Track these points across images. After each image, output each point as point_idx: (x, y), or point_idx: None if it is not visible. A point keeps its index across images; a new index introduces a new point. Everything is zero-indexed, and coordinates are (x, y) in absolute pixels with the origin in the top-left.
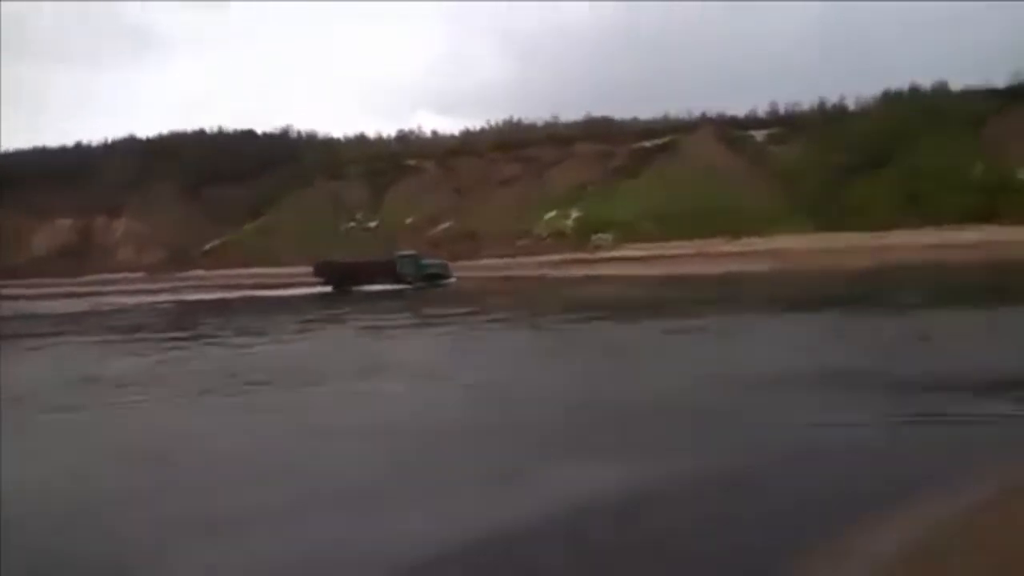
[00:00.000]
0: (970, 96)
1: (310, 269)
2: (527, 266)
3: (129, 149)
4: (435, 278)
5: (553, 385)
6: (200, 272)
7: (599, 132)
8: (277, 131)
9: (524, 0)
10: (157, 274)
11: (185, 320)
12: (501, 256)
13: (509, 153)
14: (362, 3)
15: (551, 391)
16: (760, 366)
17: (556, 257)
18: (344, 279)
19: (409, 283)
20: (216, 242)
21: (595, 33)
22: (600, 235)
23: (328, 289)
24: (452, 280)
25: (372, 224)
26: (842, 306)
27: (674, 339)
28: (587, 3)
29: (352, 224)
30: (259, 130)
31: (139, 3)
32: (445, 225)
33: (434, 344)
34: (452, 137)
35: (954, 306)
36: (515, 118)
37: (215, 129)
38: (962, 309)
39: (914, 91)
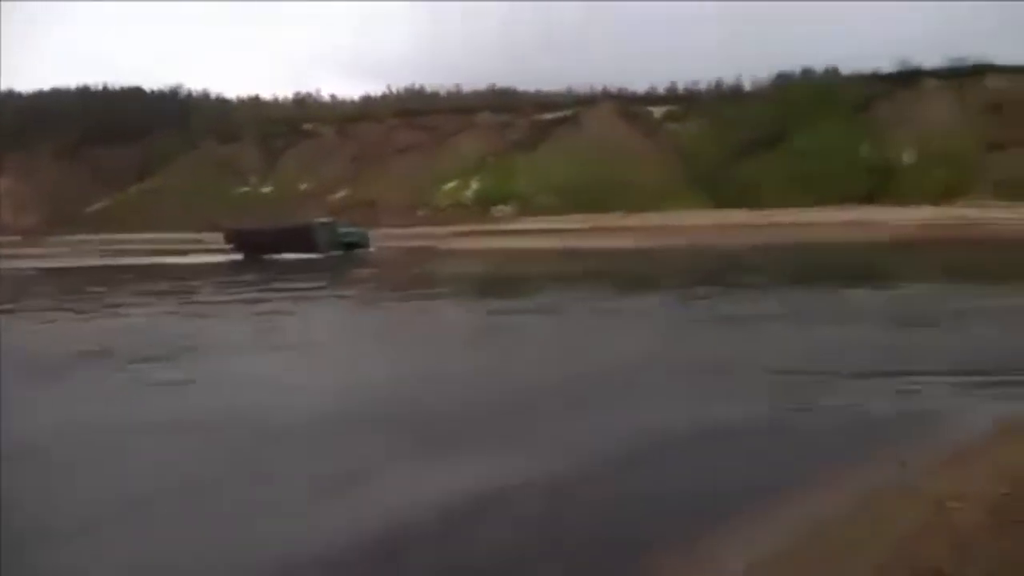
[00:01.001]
0: (858, 80)
1: (202, 235)
2: (424, 237)
3: (7, 105)
4: (353, 247)
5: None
6: (83, 236)
7: (501, 103)
8: (166, 89)
9: None
10: (35, 237)
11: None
12: (400, 226)
13: (410, 121)
14: None
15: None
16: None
17: (454, 228)
18: (256, 247)
19: (324, 252)
20: (100, 205)
21: (502, 4)
22: (499, 207)
23: (238, 257)
24: (370, 250)
25: (265, 190)
26: (696, 284)
27: (493, 320)
28: None
29: (245, 189)
30: (147, 88)
31: None
32: (342, 193)
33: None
34: (352, 102)
35: (808, 285)
36: (417, 85)
37: (100, 86)
38: (815, 289)
39: (806, 74)
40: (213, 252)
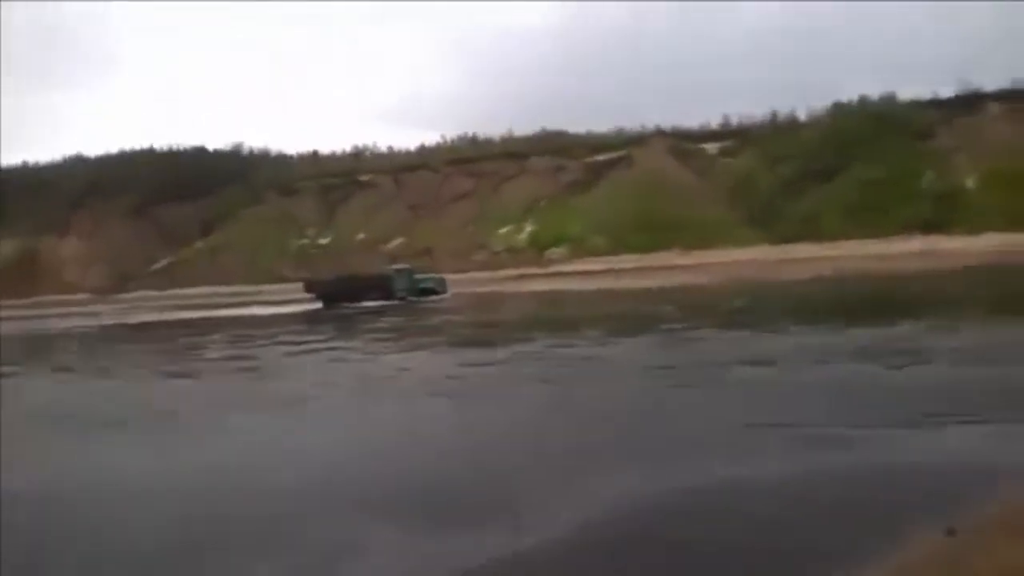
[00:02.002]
0: (917, 107)
1: (262, 287)
2: (481, 281)
3: (77, 168)
4: (428, 293)
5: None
6: (147, 292)
7: (553, 146)
8: (228, 148)
9: (478, 13)
10: (104, 295)
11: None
12: (456, 272)
13: (464, 168)
14: (315, 22)
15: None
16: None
17: (511, 272)
18: (336, 295)
19: (402, 299)
20: (165, 262)
21: (550, 47)
22: (553, 249)
23: (318, 306)
24: (446, 296)
25: (324, 241)
26: (715, 325)
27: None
28: (541, 18)
29: (304, 241)
30: (210, 147)
31: (91, 26)
32: (398, 241)
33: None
34: (407, 152)
35: (826, 324)
36: (470, 133)
37: (165, 147)
38: (824, 329)
39: (863, 102)
40: (295, 303)
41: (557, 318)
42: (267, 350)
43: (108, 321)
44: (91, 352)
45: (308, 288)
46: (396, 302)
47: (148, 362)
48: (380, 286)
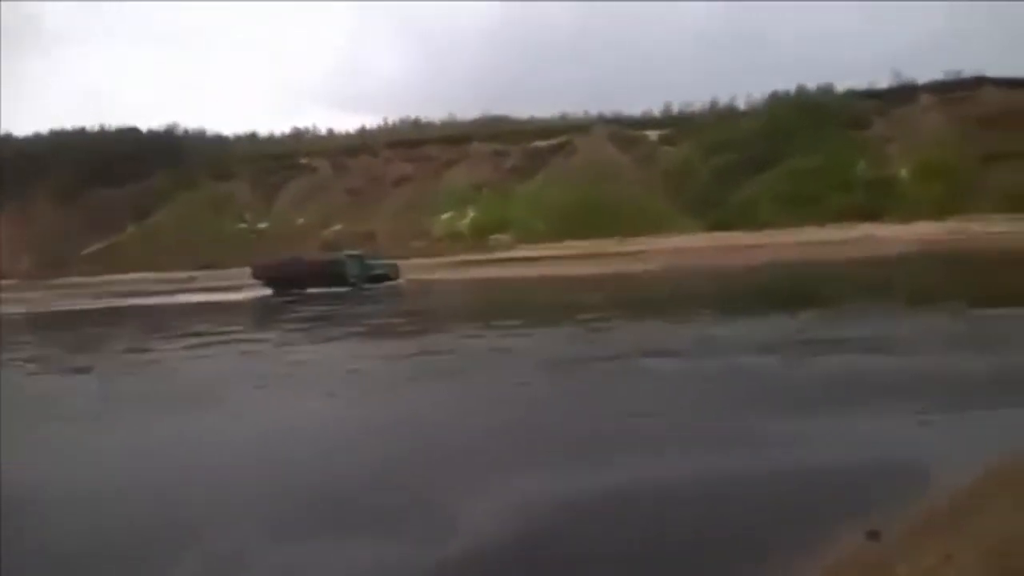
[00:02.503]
0: (853, 97)
1: (197, 273)
2: (422, 268)
3: (4, 148)
4: (382, 279)
5: None
6: (78, 279)
7: (496, 131)
8: (162, 129)
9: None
10: (32, 281)
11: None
12: (397, 258)
13: (404, 152)
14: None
15: None
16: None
17: (452, 259)
18: (285, 281)
19: (353, 284)
20: (97, 246)
21: (495, 32)
22: (496, 236)
23: (267, 292)
24: (400, 282)
25: (262, 226)
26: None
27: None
28: (486, 3)
29: (242, 226)
30: (143, 128)
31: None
32: (338, 226)
33: None
34: (348, 135)
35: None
36: (412, 116)
37: (97, 128)
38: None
39: (800, 92)
40: (243, 289)
41: (482, 307)
42: (177, 342)
43: (17, 309)
44: None
45: (256, 273)
46: (347, 289)
47: (41, 355)
48: (331, 272)
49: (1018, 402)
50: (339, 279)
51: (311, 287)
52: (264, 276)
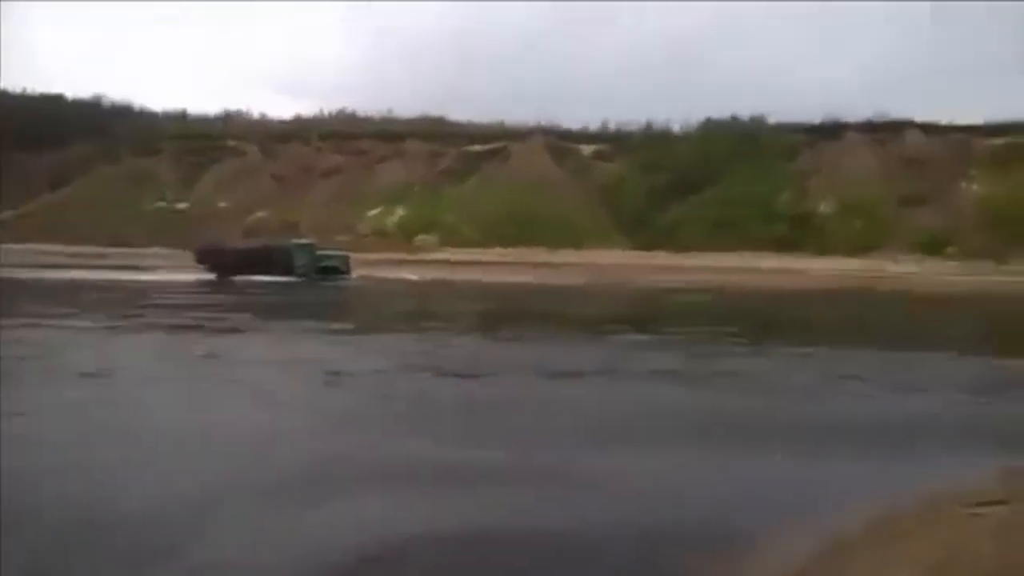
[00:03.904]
0: (784, 130)
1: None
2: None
3: None
4: (331, 272)
5: None
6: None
7: (432, 131)
8: (88, 98)
9: None
10: None
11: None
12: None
13: (338, 144)
14: None
15: None
16: None
17: (371, 256)
18: (229, 267)
19: (302, 276)
20: (8, 213)
21: (441, 33)
22: (422, 236)
23: (210, 277)
24: (350, 277)
25: (181, 206)
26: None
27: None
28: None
29: (161, 204)
30: (68, 95)
31: None
32: (261, 213)
33: None
34: (281, 121)
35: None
36: (350, 109)
37: (18, 90)
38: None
39: (734, 120)
40: (181, 271)
41: (347, 308)
42: None
43: None
44: None
45: (200, 257)
46: (295, 279)
47: None
48: (278, 261)
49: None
50: (287, 268)
51: (257, 274)
52: (207, 260)
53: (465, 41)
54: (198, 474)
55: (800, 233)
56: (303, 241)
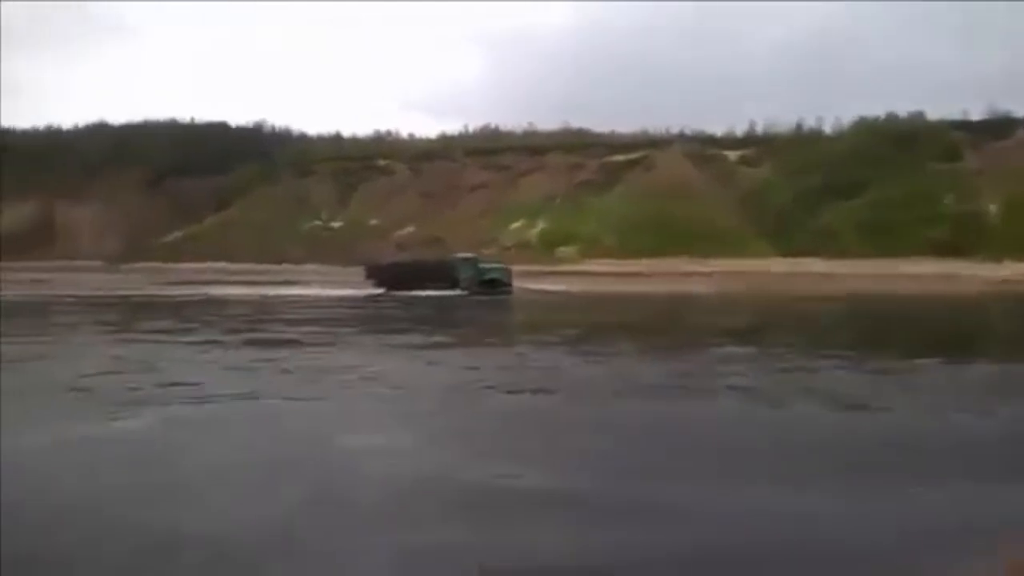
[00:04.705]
0: (945, 127)
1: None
2: None
3: (98, 134)
4: (494, 284)
5: None
6: (156, 264)
7: (573, 143)
8: (250, 125)
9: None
10: (114, 264)
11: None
12: None
13: (482, 159)
14: (348, 6)
15: None
16: None
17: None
18: (398, 281)
19: (465, 289)
20: (177, 234)
21: (576, 44)
22: (563, 248)
23: (379, 291)
24: (511, 289)
25: (336, 224)
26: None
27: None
28: (567, 16)
29: (317, 223)
30: (232, 123)
31: None
32: (410, 229)
33: None
34: (428, 140)
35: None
36: (493, 125)
37: (187, 120)
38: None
39: (890, 118)
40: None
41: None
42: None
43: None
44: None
45: (369, 273)
46: (460, 292)
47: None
48: (444, 274)
49: None
50: (451, 282)
51: (423, 289)
52: (376, 276)
53: (605, 49)
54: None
55: (965, 237)
56: (467, 255)
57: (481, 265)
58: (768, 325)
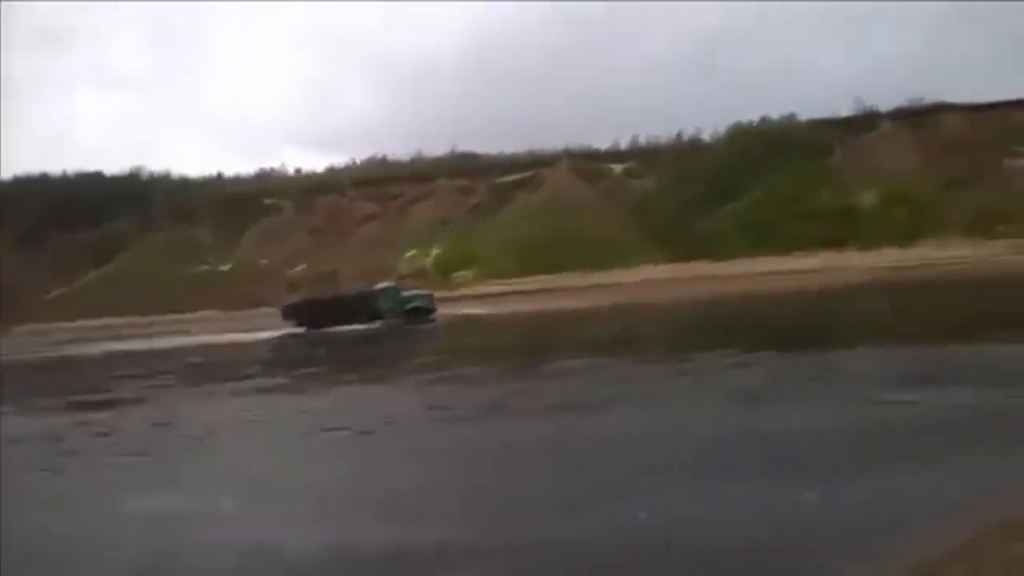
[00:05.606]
0: (816, 126)
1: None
2: None
3: None
4: (418, 313)
5: None
6: (38, 326)
7: (462, 167)
8: (126, 172)
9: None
10: None
11: None
12: None
13: (370, 190)
14: (224, 42)
15: None
16: None
17: None
18: (320, 319)
19: (389, 320)
20: (59, 292)
21: (462, 67)
22: (460, 272)
23: (300, 331)
24: (434, 318)
25: (224, 268)
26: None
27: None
28: (452, 39)
29: (205, 268)
30: (107, 172)
31: None
32: (302, 267)
33: None
34: (314, 175)
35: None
36: (380, 154)
37: (59, 173)
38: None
39: (764, 122)
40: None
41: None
42: None
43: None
44: None
45: (286, 313)
46: (380, 324)
47: None
48: (365, 307)
49: None
50: (374, 314)
51: (345, 324)
52: (293, 315)
53: (485, 71)
54: None
55: (843, 229)
56: (386, 285)
57: (403, 294)
58: (623, 336)
